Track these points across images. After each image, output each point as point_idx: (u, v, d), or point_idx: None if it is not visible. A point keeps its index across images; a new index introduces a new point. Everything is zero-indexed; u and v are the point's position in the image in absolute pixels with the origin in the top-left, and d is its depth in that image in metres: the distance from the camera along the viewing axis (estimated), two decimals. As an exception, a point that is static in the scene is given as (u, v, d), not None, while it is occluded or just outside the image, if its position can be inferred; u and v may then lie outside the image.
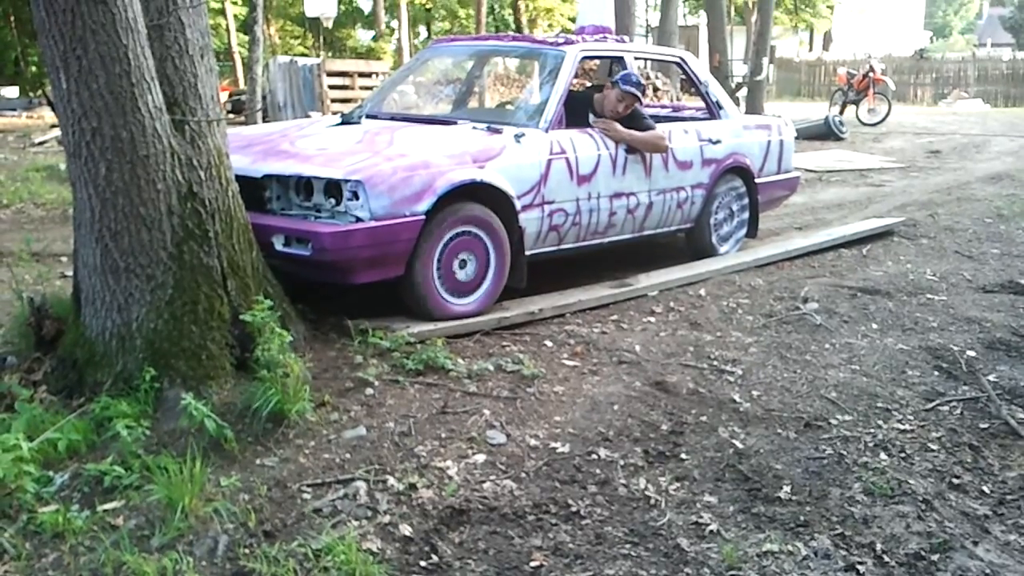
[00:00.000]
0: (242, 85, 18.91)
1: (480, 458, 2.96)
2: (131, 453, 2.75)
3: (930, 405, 3.60)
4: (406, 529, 2.53)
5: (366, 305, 4.14)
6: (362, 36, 36.57)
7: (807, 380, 3.78)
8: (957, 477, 3.03)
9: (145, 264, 3.09)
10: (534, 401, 3.42)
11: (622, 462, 3.01)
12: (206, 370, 3.16)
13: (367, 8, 35.40)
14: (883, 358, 4.07)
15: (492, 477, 2.85)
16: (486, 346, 4.00)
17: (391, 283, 4.04)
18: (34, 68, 21.19)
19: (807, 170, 10.13)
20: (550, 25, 33.22)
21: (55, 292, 4.02)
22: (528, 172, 4.45)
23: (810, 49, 38.58)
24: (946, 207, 8.11)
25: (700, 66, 6.15)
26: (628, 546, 2.55)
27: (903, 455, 3.16)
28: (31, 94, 21.06)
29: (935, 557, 2.53)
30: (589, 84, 7.61)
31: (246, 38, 14.22)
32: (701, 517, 2.70)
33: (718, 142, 5.58)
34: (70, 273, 3.75)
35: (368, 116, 5.18)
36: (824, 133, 14.00)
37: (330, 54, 27.46)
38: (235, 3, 27.89)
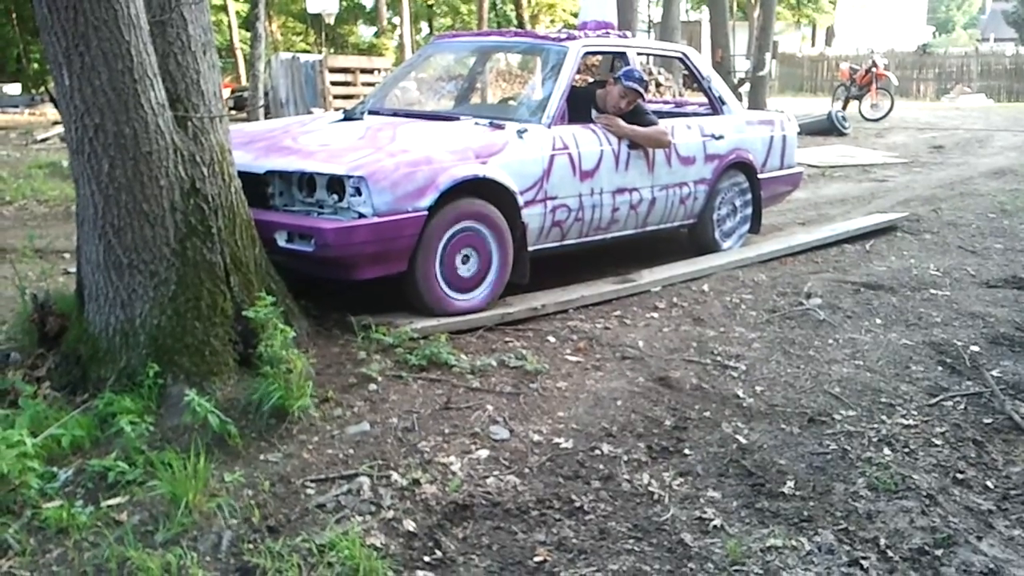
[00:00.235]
0: (244, 81, 18.94)
1: (483, 453, 2.96)
2: (135, 449, 2.75)
3: (934, 400, 3.60)
4: (410, 524, 2.53)
5: (369, 301, 4.14)
6: (364, 32, 36.57)
7: (810, 375, 3.78)
8: (961, 472, 3.03)
9: (148, 260, 3.09)
10: (537, 397, 3.42)
11: (625, 457, 3.01)
12: (209, 366, 3.16)
13: (369, 4, 35.42)
14: (887, 353, 4.06)
15: (495, 472, 2.85)
16: (489, 342, 4.00)
17: (394, 279, 4.04)
18: (36, 65, 21.19)
19: (810, 165, 10.12)
20: (552, 21, 33.20)
21: (58, 288, 4.02)
22: (531, 168, 4.45)
23: (812, 44, 38.56)
24: (949, 202, 8.10)
25: (702, 61, 6.14)
26: (632, 541, 2.55)
27: (907, 450, 3.15)
28: (33, 91, 21.09)
29: (939, 552, 2.53)
30: (592, 80, 7.59)
31: (248, 34, 14.20)
32: (705, 512, 2.70)
33: (721, 137, 5.57)
34: (73, 269, 3.76)
35: (370, 112, 5.17)
36: (827, 128, 13.98)
37: (332, 50, 27.45)
38: (237, -1, 27.90)
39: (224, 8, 27.08)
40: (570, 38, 5.16)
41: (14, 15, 19.90)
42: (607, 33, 5.59)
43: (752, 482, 2.89)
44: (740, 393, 3.55)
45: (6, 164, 9.99)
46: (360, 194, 3.80)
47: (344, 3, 29.25)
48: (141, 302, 3.10)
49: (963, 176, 9.86)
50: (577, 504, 2.71)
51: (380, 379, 3.44)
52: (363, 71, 15.14)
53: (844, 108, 16.96)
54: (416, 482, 2.74)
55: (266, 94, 12.93)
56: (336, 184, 3.87)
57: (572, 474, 2.89)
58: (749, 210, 5.94)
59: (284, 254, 3.79)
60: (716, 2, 19.94)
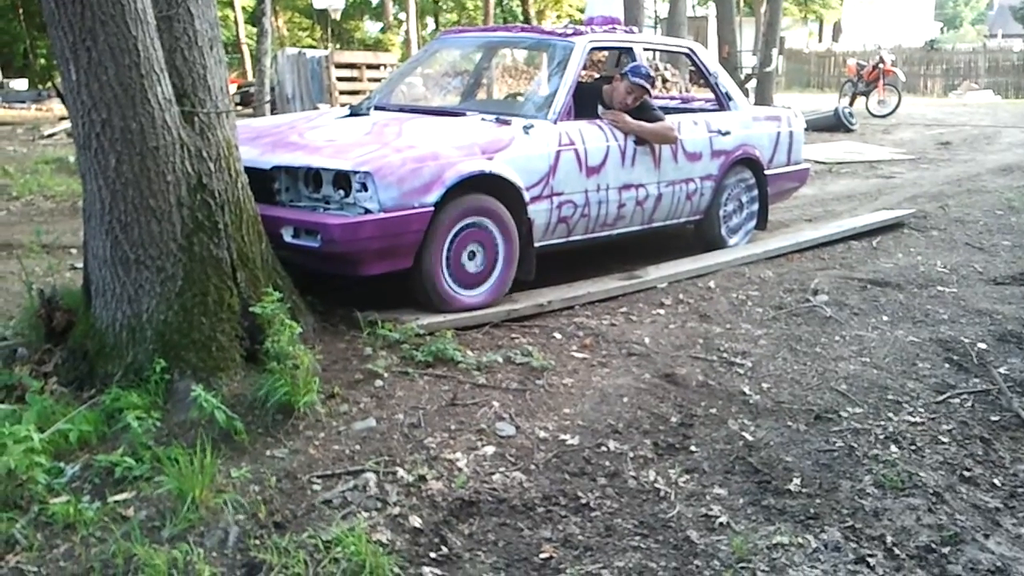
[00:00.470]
0: (250, 77, 18.92)
1: (489, 450, 2.96)
2: (142, 444, 2.76)
3: (941, 397, 3.59)
4: (416, 520, 2.53)
5: (375, 297, 4.14)
6: (370, 28, 36.59)
7: (817, 372, 3.77)
8: (968, 470, 3.02)
9: (155, 256, 3.09)
10: (543, 393, 3.42)
11: (632, 454, 3.00)
12: (216, 362, 3.17)
13: (375, 0, 35.37)
14: (893, 350, 4.05)
15: (501, 469, 2.85)
16: (495, 338, 4.00)
17: (400, 275, 4.04)
18: (43, 60, 21.25)
19: (817, 162, 10.09)
20: (559, 16, 33.16)
21: (65, 284, 4.03)
22: (537, 163, 4.44)
23: (819, 40, 38.41)
24: (957, 199, 8.07)
25: (709, 57, 6.12)
26: (638, 538, 2.55)
27: (914, 448, 3.15)
28: (40, 86, 21.15)
29: (946, 550, 2.52)
30: (598, 75, 7.58)
31: (254, 30, 14.23)
32: (711, 509, 2.70)
33: (727, 133, 5.56)
34: (80, 265, 3.77)
35: (377, 108, 5.18)
36: (834, 124, 13.93)
37: (338, 46, 27.48)
38: (243, -5, 27.88)
39: (230, 3, 27.08)
40: (576, 34, 5.15)
41: (20, 10, 19.95)
42: (613, 29, 5.58)
43: (758, 479, 2.89)
44: (746, 390, 3.54)
45: (13, 160, 10.03)
46: (366, 190, 3.80)
47: (350, -1, 29.26)
48: (148, 297, 3.11)
49: (970, 172, 9.82)
50: (583, 501, 2.71)
51: (386, 375, 3.44)
52: (369, 67, 15.16)
53: (851, 104, 16.92)
54: (422, 478, 2.74)
55: (272, 90, 12.94)
56: (342, 180, 3.87)
57: (578, 471, 2.88)
58: (756, 206, 5.93)
59: (290, 250, 3.79)
60: (723, -2, 19.86)
